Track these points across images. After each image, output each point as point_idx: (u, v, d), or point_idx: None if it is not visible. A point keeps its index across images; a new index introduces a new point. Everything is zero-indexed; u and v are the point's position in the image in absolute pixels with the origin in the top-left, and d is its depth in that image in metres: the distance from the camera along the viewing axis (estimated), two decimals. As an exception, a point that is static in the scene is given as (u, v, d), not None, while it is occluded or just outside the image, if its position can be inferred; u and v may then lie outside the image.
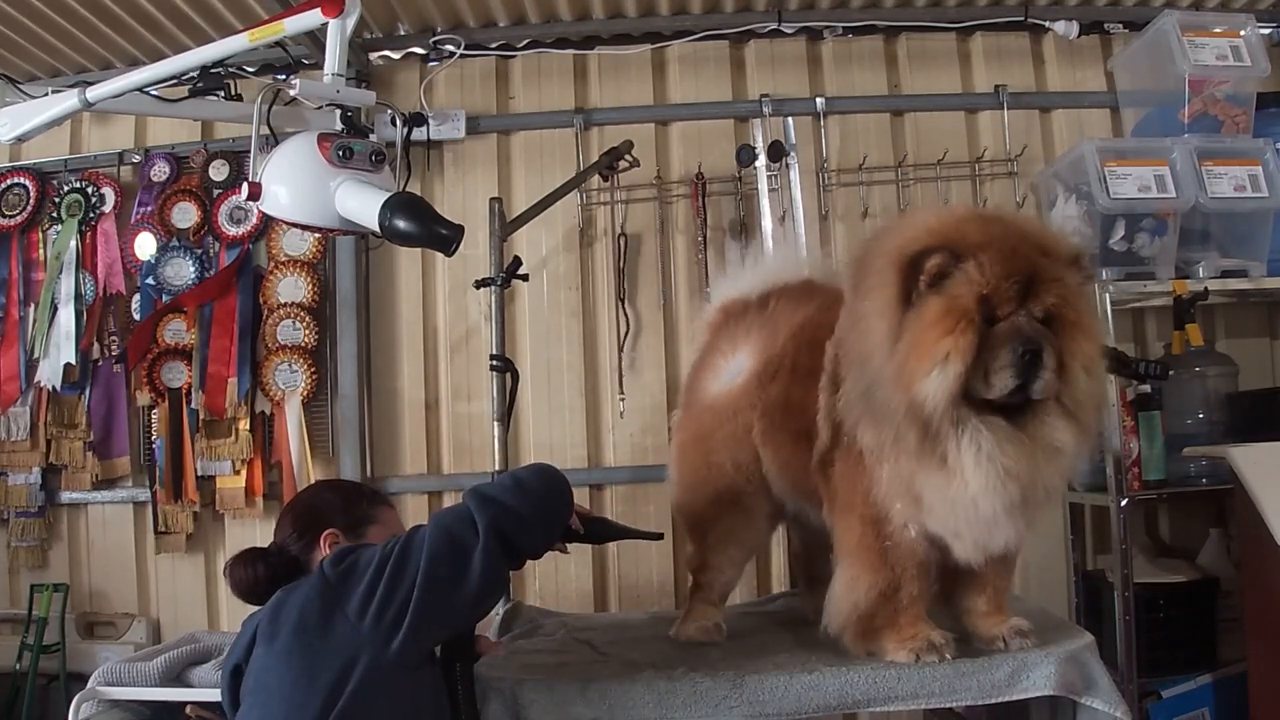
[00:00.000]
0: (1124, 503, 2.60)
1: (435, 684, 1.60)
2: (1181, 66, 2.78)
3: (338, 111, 2.07)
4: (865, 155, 3.15)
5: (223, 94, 2.15)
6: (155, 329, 3.12)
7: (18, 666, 2.96)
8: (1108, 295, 2.64)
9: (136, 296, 3.18)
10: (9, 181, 3.25)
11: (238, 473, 3.08)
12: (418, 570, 1.46)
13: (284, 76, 2.91)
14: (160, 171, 3.22)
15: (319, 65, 2.02)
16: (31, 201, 3.23)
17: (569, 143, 3.19)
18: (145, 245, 3.16)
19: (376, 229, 1.91)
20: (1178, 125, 2.82)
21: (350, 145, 1.98)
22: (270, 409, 3.09)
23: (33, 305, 3.19)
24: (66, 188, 3.22)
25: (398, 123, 2.92)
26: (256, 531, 2.99)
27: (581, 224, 3.17)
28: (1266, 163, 2.76)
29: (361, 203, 1.93)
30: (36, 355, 3.15)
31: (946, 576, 1.77)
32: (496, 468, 2.53)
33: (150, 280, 3.14)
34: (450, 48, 3.20)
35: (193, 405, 3.06)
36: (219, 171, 3.20)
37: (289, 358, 3.09)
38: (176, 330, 3.13)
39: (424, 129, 3.12)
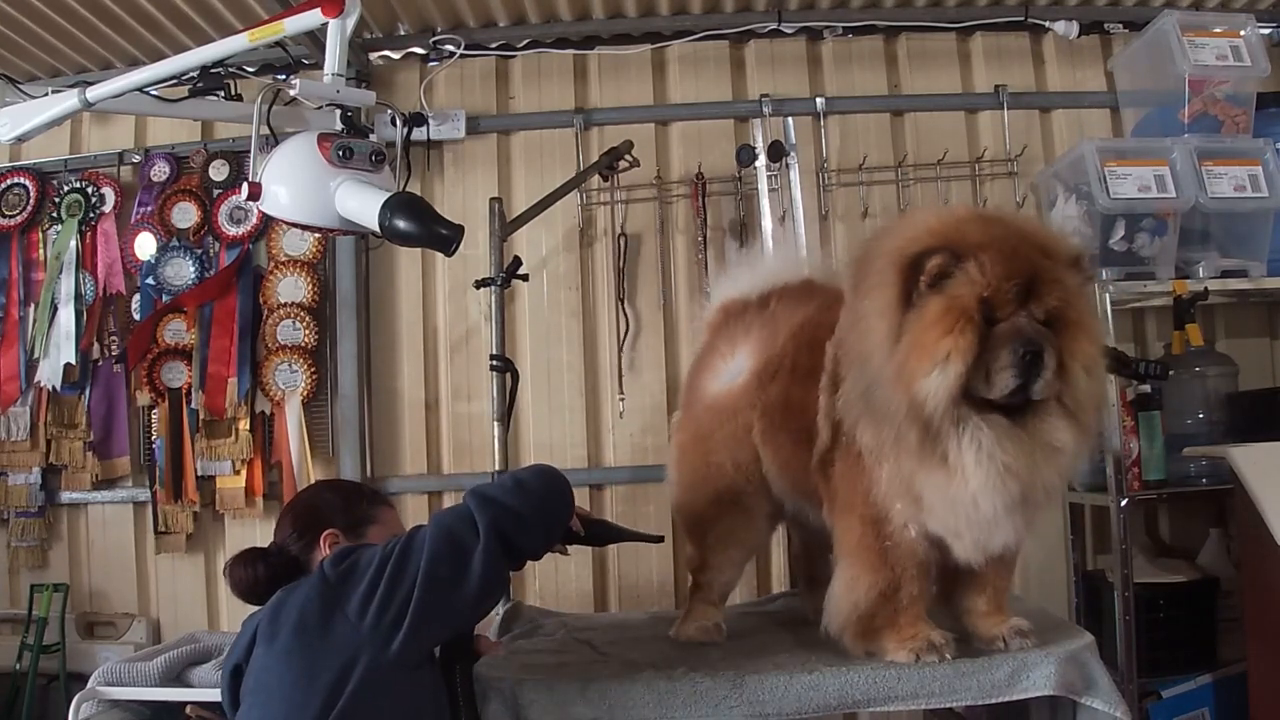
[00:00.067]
0: (1124, 503, 2.60)
1: (435, 684, 1.60)
2: (1181, 66, 2.78)
3: (338, 111, 2.07)
4: (865, 155, 3.15)
5: (223, 94, 2.15)
6: (155, 329, 3.12)
7: (18, 666, 2.96)
8: (1108, 295, 2.64)
9: (136, 296, 3.18)
10: (9, 181, 3.25)
11: (238, 473, 3.08)
12: (418, 570, 1.47)
13: (284, 76, 2.91)
14: (160, 171, 3.22)
15: (319, 65, 2.02)
16: (31, 201, 3.23)
17: (569, 143, 3.20)
18: (145, 245, 3.16)
19: (376, 229, 1.91)
20: (1178, 125, 2.82)
21: (350, 145, 1.98)
22: (270, 409, 3.09)
23: (33, 305, 3.19)
24: (66, 188, 3.22)
25: (398, 123, 2.92)
26: (256, 531, 2.99)
27: (581, 224, 3.17)
28: (1266, 163, 2.76)
29: (361, 203, 1.93)
30: (36, 355, 3.15)
31: (946, 576, 1.78)
32: (496, 468, 2.53)
33: (150, 280, 3.14)
34: (450, 48, 3.20)
35: (193, 405, 3.06)
36: (219, 171, 3.20)
37: (289, 358, 3.09)
38: (176, 330, 3.13)
39: (424, 129, 3.12)
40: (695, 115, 3.23)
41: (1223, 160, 2.75)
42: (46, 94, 2.20)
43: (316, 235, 3.08)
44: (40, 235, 3.24)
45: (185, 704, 2.21)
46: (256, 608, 1.62)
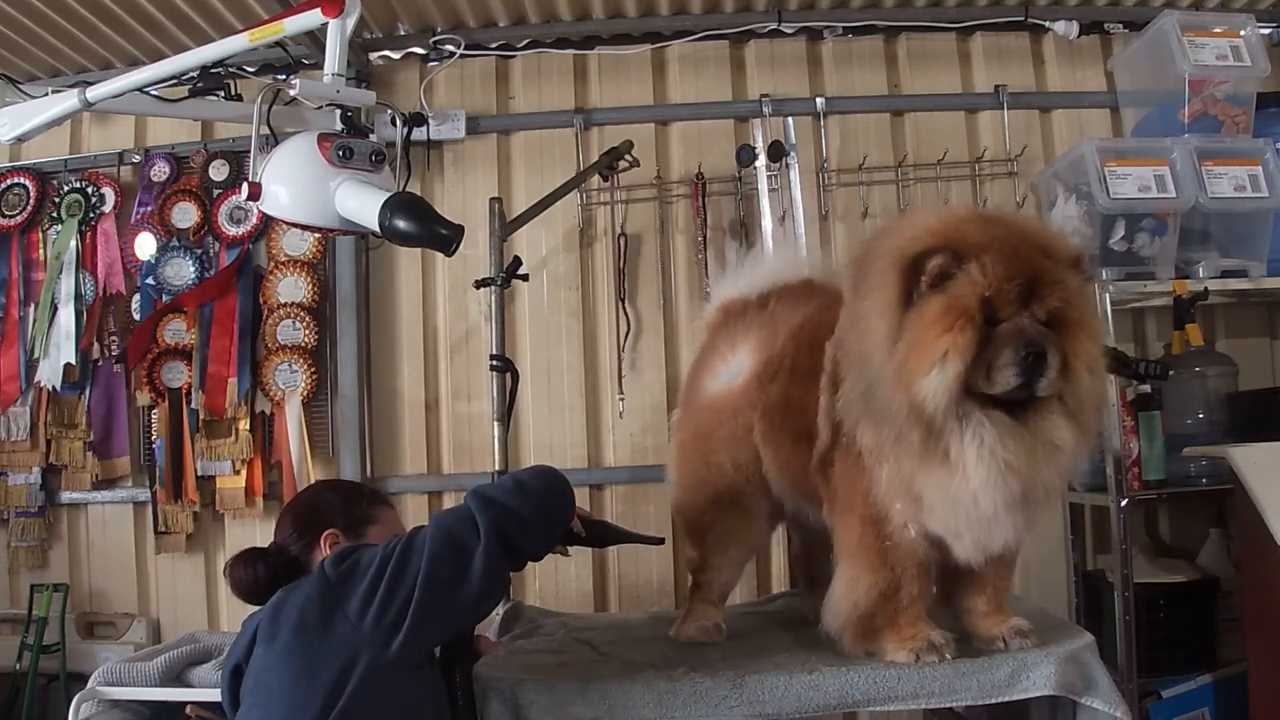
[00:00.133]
0: (1124, 503, 2.60)
1: (435, 684, 1.60)
2: (1181, 66, 2.78)
3: (338, 111, 2.07)
4: (865, 155, 3.15)
5: (223, 94, 2.15)
6: (155, 329, 3.12)
7: (18, 666, 2.96)
8: (1108, 295, 2.64)
9: (136, 296, 3.18)
10: (9, 181, 3.25)
11: (238, 473, 3.08)
12: (418, 571, 1.47)
13: (284, 76, 2.91)
14: (160, 171, 3.22)
15: (319, 65, 2.01)
16: (31, 201, 3.23)
17: (569, 143, 3.19)
18: (145, 245, 3.16)
19: (376, 229, 1.90)
20: (1178, 125, 2.82)
21: (350, 145, 1.98)
22: (270, 409, 3.09)
23: (33, 305, 3.19)
24: (66, 188, 3.22)
25: (398, 123, 2.92)
26: (256, 531, 2.99)
27: (581, 224, 3.17)
28: (1266, 163, 2.76)
29: (361, 203, 1.93)
30: (36, 355, 3.15)
31: (946, 576, 1.78)
32: (496, 468, 2.53)
33: (150, 280, 3.14)
34: (450, 48, 3.20)
35: (193, 405, 3.06)
36: (219, 171, 3.20)
37: (289, 358, 3.09)
38: (176, 330, 3.13)
39: (424, 129, 3.12)
40: (695, 115, 3.23)
41: (1223, 160, 2.75)
42: (46, 94, 2.20)
43: (316, 235, 3.08)
44: (40, 235, 3.24)
45: (185, 704, 2.21)
46: (256, 608, 1.62)
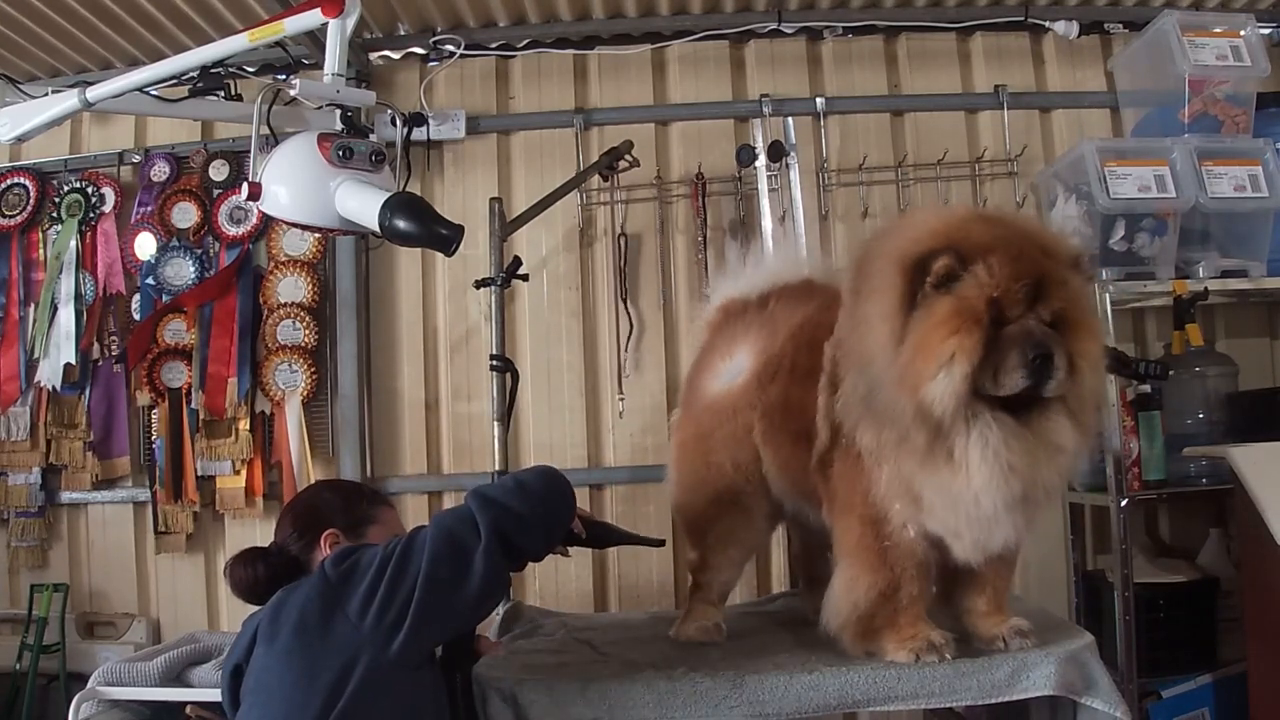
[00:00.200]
0: (1124, 503, 2.60)
1: (435, 684, 1.60)
2: (1181, 66, 2.78)
3: (338, 111, 2.07)
4: (865, 155, 3.15)
5: (223, 94, 2.15)
6: (155, 329, 3.12)
7: (18, 666, 2.96)
8: (1108, 295, 2.64)
9: (136, 296, 3.18)
10: (9, 181, 3.25)
11: (238, 473, 3.08)
12: (419, 571, 1.47)
13: (284, 76, 2.91)
14: (160, 171, 3.22)
15: (319, 65, 2.01)
16: (31, 201, 3.23)
17: (569, 143, 3.19)
18: (145, 245, 3.16)
19: (376, 229, 1.90)
20: (1178, 125, 2.82)
21: (350, 145, 1.98)
22: (270, 409, 3.09)
23: (33, 305, 3.19)
24: (66, 188, 3.22)
25: (398, 123, 2.92)
26: (256, 531, 2.99)
27: (581, 224, 3.17)
28: (1266, 163, 2.76)
29: (361, 203, 1.93)
30: (36, 355, 3.15)
31: (946, 576, 1.78)
32: (496, 468, 2.53)
33: (150, 280, 3.14)
34: (450, 48, 3.20)
35: (193, 405, 3.06)
36: (219, 171, 3.20)
37: (289, 358, 3.09)
38: (176, 330, 3.13)
39: (424, 129, 3.12)
40: (695, 115, 3.23)
41: (1223, 160, 2.75)
42: (46, 94, 2.20)
43: (316, 235, 3.08)
44: (40, 235, 3.24)
45: (185, 704, 2.21)
46: (257, 608, 1.62)
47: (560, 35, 3.25)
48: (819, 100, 3.16)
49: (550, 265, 3.18)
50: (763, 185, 3.03)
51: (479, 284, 2.65)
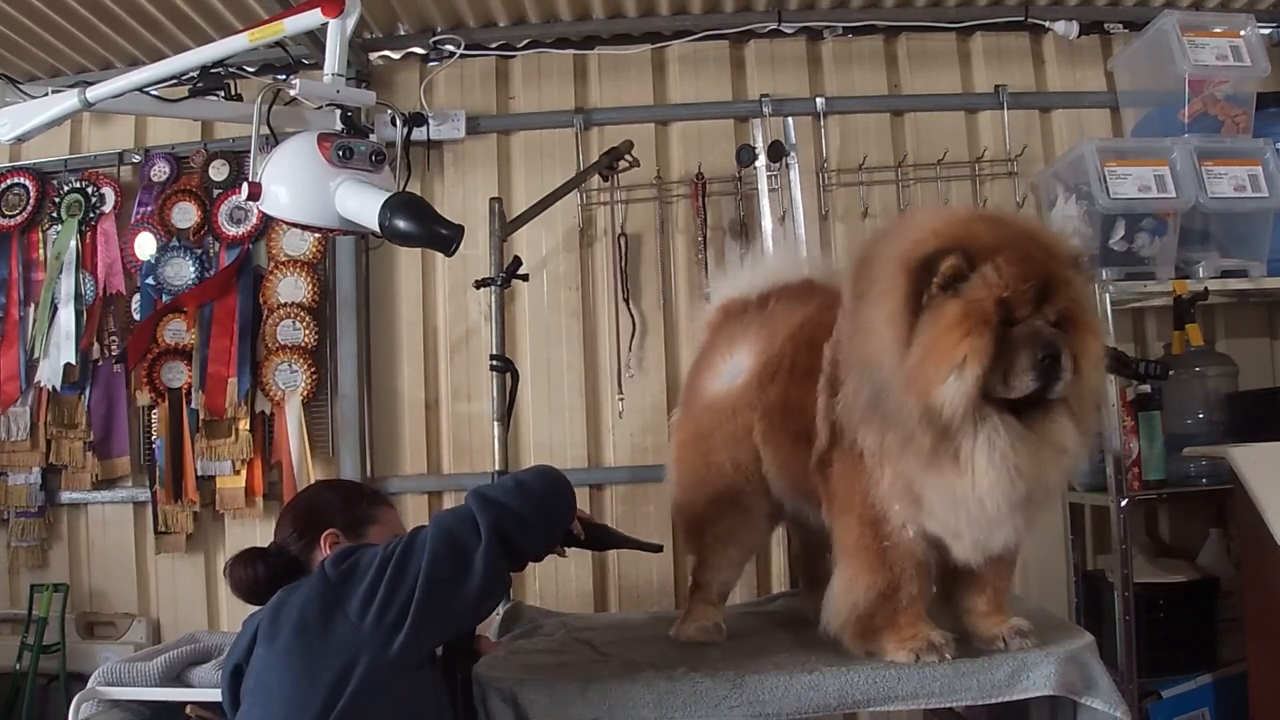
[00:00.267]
0: (1124, 503, 2.60)
1: (436, 684, 1.60)
2: (1181, 66, 2.78)
3: (338, 111, 2.07)
4: (865, 155, 3.15)
5: (223, 94, 2.15)
6: (155, 329, 3.12)
7: (18, 666, 2.96)
8: (1108, 295, 2.64)
9: (136, 296, 3.18)
10: (9, 181, 3.25)
11: (238, 473, 3.08)
12: (419, 571, 1.47)
13: (284, 76, 2.91)
14: (160, 171, 3.22)
15: (319, 65, 2.01)
16: (31, 201, 3.23)
17: (569, 143, 3.19)
18: (145, 245, 3.16)
19: (376, 229, 1.90)
20: (1178, 125, 2.82)
21: (350, 145, 1.98)
22: (270, 409, 3.09)
23: (33, 305, 3.19)
24: (66, 188, 3.22)
25: (398, 123, 2.92)
26: (256, 531, 2.99)
27: (581, 224, 3.17)
28: (1266, 163, 2.76)
29: (361, 203, 1.93)
30: (36, 355, 3.15)
31: (946, 576, 1.77)
32: (496, 468, 2.53)
33: (150, 280, 3.14)
34: (450, 48, 3.20)
35: (193, 405, 3.06)
36: (219, 171, 3.20)
37: (289, 358, 3.09)
38: (176, 330, 3.13)
39: (424, 129, 3.12)
40: (695, 115, 3.23)
41: (1223, 160, 2.75)
42: (46, 94, 2.20)
43: (316, 235, 3.08)
44: (40, 235, 3.24)
45: (185, 704, 2.21)
46: (257, 608, 1.62)
47: (560, 35, 3.25)
48: (819, 100, 3.16)
49: (550, 265, 3.18)
50: (763, 185, 3.03)
51: (479, 284, 2.65)
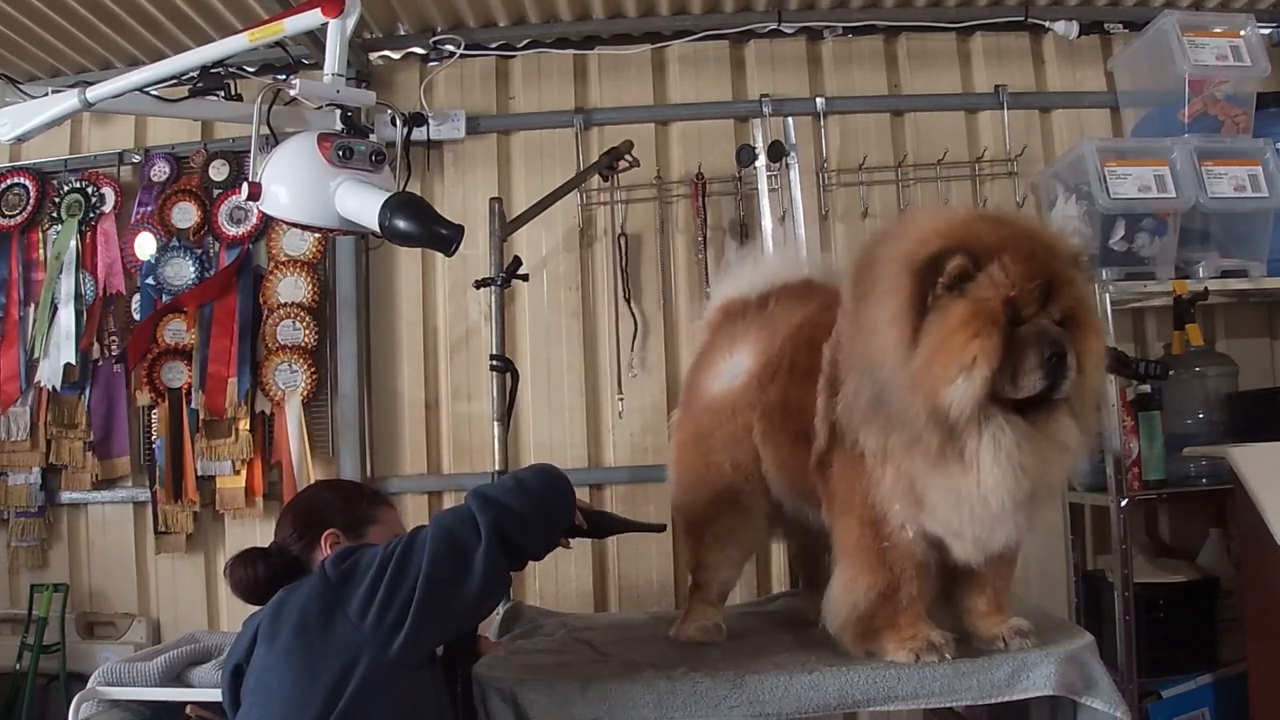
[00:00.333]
0: (1124, 503, 2.60)
1: (436, 684, 1.60)
2: (1181, 66, 2.78)
3: (338, 111, 2.07)
4: (865, 155, 3.15)
5: (223, 94, 2.15)
6: (155, 329, 3.12)
7: (18, 666, 2.96)
8: (1108, 295, 2.64)
9: (136, 296, 3.18)
10: (9, 181, 3.25)
11: (238, 473, 3.08)
12: (419, 571, 1.47)
13: (284, 76, 2.91)
14: (160, 171, 3.22)
15: (319, 65, 2.01)
16: (31, 201, 3.23)
17: (569, 143, 3.19)
18: (145, 245, 3.16)
19: (376, 229, 1.90)
20: (1178, 125, 2.82)
21: (350, 145, 1.98)
22: (270, 409, 3.09)
23: (33, 305, 3.19)
24: (66, 188, 3.22)
25: (398, 123, 2.92)
26: (256, 531, 2.99)
27: (581, 224, 3.17)
28: (1266, 163, 2.76)
29: (361, 203, 1.93)
30: (36, 355, 3.15)
31: (946, 576, 1.77)
32: (496, 468, 2.53)
33: (150, 280, 3.14)
34: (450, 48, 3.20)
35: (193, 405, 3.06)
36: (219, 171, 3.20)
37: (289, 358, 3.09)
38: (176, 330, 3.13)
39: (424, 129, 3.12)
40: (695, 115, 3.23)
41: (1223, 160, 2.75)
42: (46, 94, 2.20)
43: (316, 235, 3.08)
44: (40, 235, 3.24)
45: (185, 704, 2.21)
46: (257, 608, 1.62)
47: (560, 35, 3.25)
48: (819, 100, 3.16)
49: (550, 265, 3.18)
50: (763, 185, 3.03)
51: (479, 284, 2.65)
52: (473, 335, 3.16)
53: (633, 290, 3.12)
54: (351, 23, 1.99)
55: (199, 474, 3.06)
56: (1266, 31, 3.10)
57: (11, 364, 3.16)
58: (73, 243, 3.18)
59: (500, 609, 2.37)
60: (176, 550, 3.10)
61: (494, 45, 3.25)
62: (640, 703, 1.70)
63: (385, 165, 2.06)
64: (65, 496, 3.18)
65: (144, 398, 3.10)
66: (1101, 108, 3.22)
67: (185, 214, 3.18)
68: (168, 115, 2.33)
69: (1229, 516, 2.75)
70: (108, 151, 3.27)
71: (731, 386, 2.01)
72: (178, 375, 3.10)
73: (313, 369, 3.08)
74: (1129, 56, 3.09)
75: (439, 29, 3.21)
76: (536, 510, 1.57)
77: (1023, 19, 3.20)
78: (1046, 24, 3.22)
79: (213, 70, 2.13)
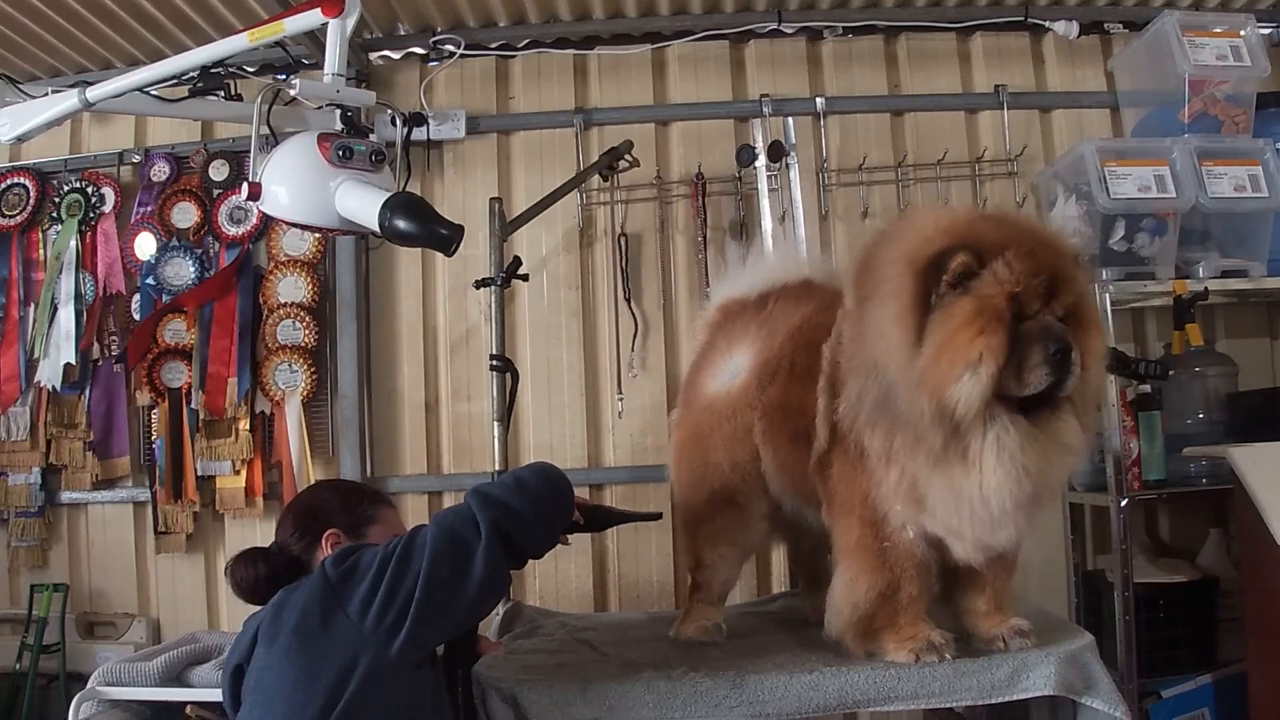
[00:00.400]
0: (1124, 503, 2.60)
1: (436, 684, 1.60)
2: (1181, 66, 2.78)
3: (338, 111, 2.07)
4: (865, 155, 3.15)
5: (223, 94, 2.15)
6: (155, 329, 3.12)
7: (18, 666, 2.96)
8: (1108, 295, 2.64)
9: (136, 296, 3.18)
10: (9, 181, 3.25)
11: (238, 473, 3.08)
12: (419, 570, 1.47)
13: (284, 76, 2.91)
14: (160, 171, 3.22)
15: (319, 65, 2.02)
16: (31, 201, 3.23)
17: (569, 143, 3.20)
18: (145, 245, 3.16)
19: (376, 229, 1.91)
20: (1178, 125, 2.82)
21: (350, 145, 1.98)
22: (270, 409, 3.10)
23: (33, 305, 3.19)
24: (66, 188, 3.22)
25: (398, 123, 2.92)
26: (256, 531, 2.99)
27: (581, 224, 3.18)
28: (1266, 163, 2.76)
29: (361, 203, 1.93)
30: (36, 355, 3.15)
31: (946, 577, 1.77)
32: (496, 468, 2.53)
33: (150, 280, 3.15)
34: (450, 48, 3.20)
35: (193, 405, 3.06)
36: (219, 171, 3.20)
37: (289, 358, 3.09)
38: (176, 330, 3.13)
39: (424, 129, 3.12)
40: (695, 115, 3.23)
41: (1223, 160, 2.75)
42: (46, 94, 2.20)
43: (316, 235, 3.08)
44: (40, 235, 3.24)
45: (185, 704, 2.21)
46: (257, 608, 1.62)
47: (560, 35, 3.25)
48: (819, 100, 3.16)
49: (550, 265, 3.18)
50: (763, 185, 3.03)
51: (479, 284, 2.66)
52: (473, 335, 3.16)
53: (633, 290, 3.12)
54: (351, 23, 1.99)
55: (199, 474, 3.06)
56: (1266, 31, 3.10)
57: (11, 364, 3.16)
58: (73, 243, 3.19)
59: (500, 609, 2.37)
60: (176, 550, 3.10)
61: (494, 45, 3.25)
62: (640, 703, 1.70)
63: (385, 165, 2.06)
64: (65, 496, 3.18)
65: (144, 398, 3.10)
66: (1101, 108, 3.22)
67: (185, 214, 3.18)
68: (168, 115, 2.32)
69: (1229, 516, 2.76)
70: (108, 151, 3.27)
71: (731, 386, 2.01)
72: (178, 375, 3.10)
73: (313, 369, 3.08)
74: (1129, 56, 3.10)
75: (439, 29, 3.21)
76: (536, 509, 1.57)
77: (1023, 19, 3.20)
78: (1046, 24, 3.22)
79: (213, 70, 2.13)
